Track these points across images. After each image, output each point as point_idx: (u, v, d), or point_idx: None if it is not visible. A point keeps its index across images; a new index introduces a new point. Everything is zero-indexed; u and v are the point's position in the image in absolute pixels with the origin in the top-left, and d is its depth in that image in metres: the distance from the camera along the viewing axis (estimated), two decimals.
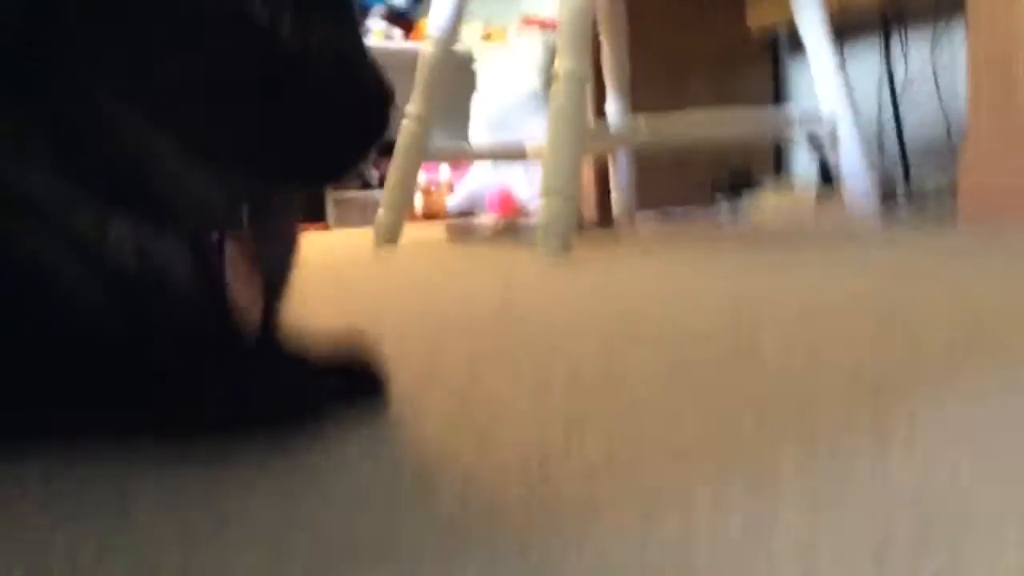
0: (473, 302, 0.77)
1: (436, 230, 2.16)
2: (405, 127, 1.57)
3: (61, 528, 0.28)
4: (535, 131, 2.56)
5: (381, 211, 1.61)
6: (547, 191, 1.19)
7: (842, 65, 1.42)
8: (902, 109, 2.17)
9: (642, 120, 1.29)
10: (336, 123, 0.37)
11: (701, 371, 0.48)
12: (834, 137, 1.43)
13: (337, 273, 1.06)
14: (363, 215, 2.68)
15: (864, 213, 1.43)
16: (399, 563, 0.25)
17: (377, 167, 3.05)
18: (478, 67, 2.92)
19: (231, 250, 0.40)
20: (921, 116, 2.17)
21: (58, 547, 0.27)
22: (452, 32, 1.56)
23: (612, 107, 1.79)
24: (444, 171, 2.83)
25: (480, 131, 2.83)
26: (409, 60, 2.53)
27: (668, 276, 0.93)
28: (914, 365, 0.44)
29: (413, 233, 1.87)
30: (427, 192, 2.74)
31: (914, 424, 0.34)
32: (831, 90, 1.41)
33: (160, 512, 0.30)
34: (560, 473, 0.31)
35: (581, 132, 1.22)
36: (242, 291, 0.41)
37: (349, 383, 0.41)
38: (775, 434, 0.35)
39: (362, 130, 0.38)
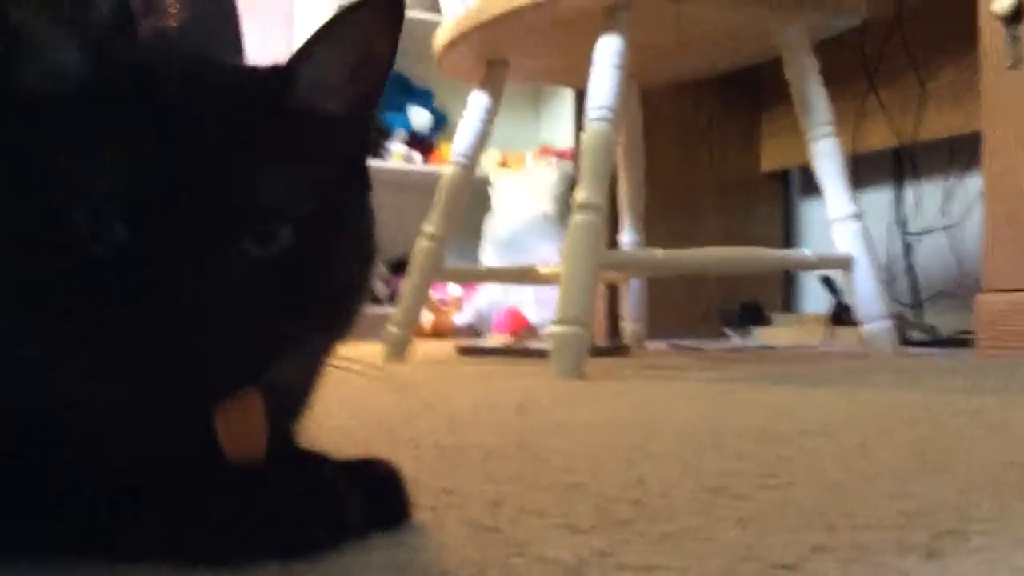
0: (488, 423, 0.75)
1: (444, 347, 2.16)
2: (421, 246, 1.58)
3: None
4: (545, 254, 2.59)
5: (390, 327, 1.61)
6: (562, 319, 1.19)
7: (860, 214, 1.43)
8: (913, 258, 2.20)
9: (658, 251, 1.30)
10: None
11: (734, 493, 0.46)
12: (848, 278, 1.44)
13: (346, 389, 1.05)
14: (371, 330, 2.68)
15: (880, 349, 1.42)
16: None
17: (387, 284, 3.08)
18: (493, 190, 2.98)
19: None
20: (933, 266, 2.19)
21: None
22: (474, 158, 1.60)
23: (626, 238, 1.81)
24: (453, 289, 2.84)
25: (490, 252, 2.86)
26: (428, 182, 2.60)
27: (686, 396, 0.91)
28: (956, 488, 0.42)
29: (421, 349, 1.85)
30: (435, 309, 2.74)
31: (969, 544, 0.32)
32: (848, 234, 1.42)
33: None
34: None
35: (597, 262, 1.22)
36: (239, 439, 0.39)
37: (370, 498, 0.39)
38: (824, 561, 0.33)
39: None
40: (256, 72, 0.39)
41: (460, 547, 0.39)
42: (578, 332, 1.18)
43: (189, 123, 0.35)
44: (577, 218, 1.23)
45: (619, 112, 1.28)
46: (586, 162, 1.26)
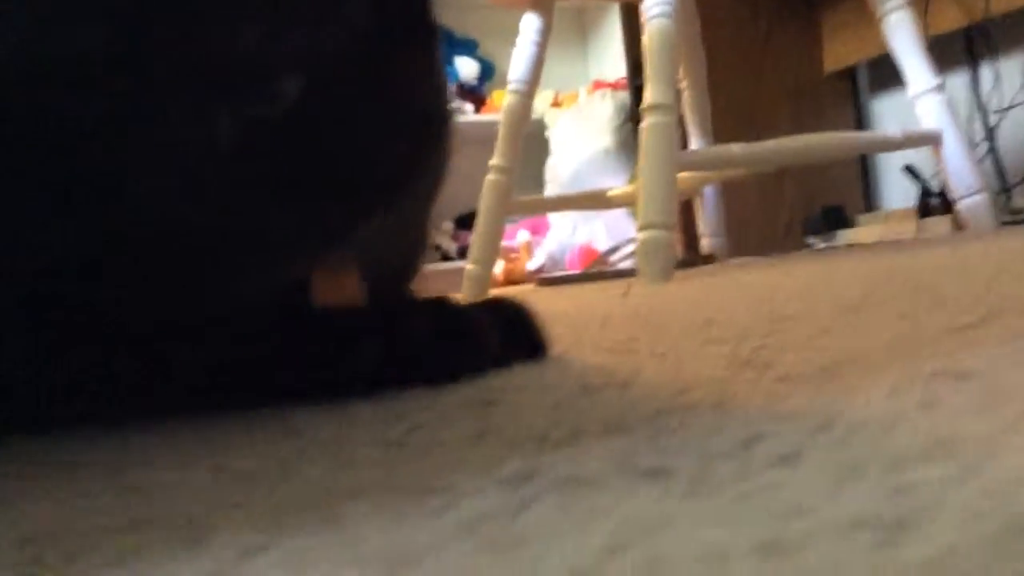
0: (594, 311, 0.73)
1: (522, 288, 2.14)
2: (490, 180, 1.56)
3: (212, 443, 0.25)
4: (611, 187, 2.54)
5: (469, 265, 1.60)
6: (645, 223, 1.16)
7: (943, 85, 1.36)
8: (997, 141, 2.10)
9: (735, 146, 1.26)
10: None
11: (880, 301, 0.43)
12: (937, 157, 1.37)
13: None
14: (446, 286, 2.69)
15: (980, 228, 1.35)
16: (619, 438, 0.20)
17: (455, 239, 3.07)
18: (549, 132, 2.94)
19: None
20: (1018, 145, 2.09)
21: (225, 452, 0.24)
22: (531, 83, 1.57)
23: (696, 147, 1.77)
24: (522, 235, 2.83)
25: (554, 194, 2.83)
26: (482, 133, 2.57)
27: (793, 274, 0.88)
28: None
29: (498, 293, 1.84)
30: (507, 258, 2.73)
31: None
32: (933, 107, 1.36)
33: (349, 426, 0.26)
34: (760, 372, 0.27)
35: (674, 162, 1.19)
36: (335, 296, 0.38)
37: (507, 332, 0.38)
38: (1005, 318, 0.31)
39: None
40: None
41: (607, 362, 0.37)
42: (664, 235, 1.15)
43: None
44: (648, 121, 1.19)
45: (678, 9, 1.23)
46: (651, 63, 1.22)
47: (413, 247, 0.46)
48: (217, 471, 0.23)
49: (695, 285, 0.91)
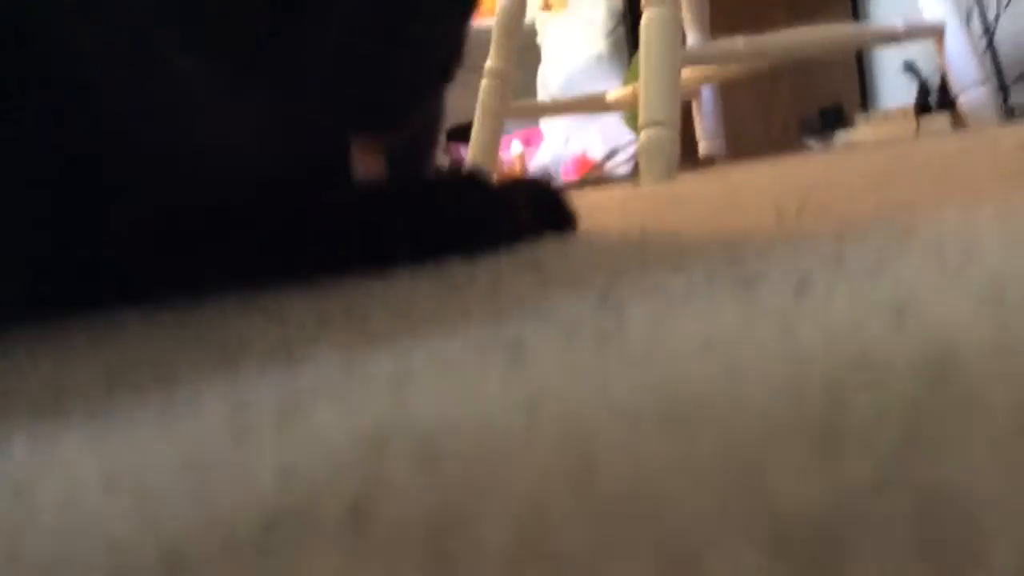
0: (606, 203, 0.72)
1: None
2: (485, 84, 1.54)
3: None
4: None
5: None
6: (647, 121, 1.14)
7: None
8: (996, 39, 2.06)
9: (739, 40, 1.23)
10: None
11: (899, 180, 0.43)
12: (939, 52, 1.35)
13: None
14: None
15: (981, 123, 1.34)
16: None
17: (448, 152, 3.04)
18: (541, 39, 2.88)
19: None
20: (1016, 40, 2.06)
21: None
22: None
23: (693, 42, 1.73)
24: (515, 147, 2.80)
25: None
26: (474, 42, 2.51)
27: (801, 168, 0.87)
28: None
29: None
30: (500, 170, 2.70)
31: None
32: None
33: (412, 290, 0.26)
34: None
35: (676, 58, 1.16)
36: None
37: (535, 208, 0.37)
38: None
39: None
40: None
41: (644, 229, 0.37)
42: (668, 132, 1.13)
43: None
44: (649, 14, 1.17)
45: None
46: None
47: (438, 114, 0.46)
48: (281, 324, 0.22)
49: (705, 180, 0.90)
